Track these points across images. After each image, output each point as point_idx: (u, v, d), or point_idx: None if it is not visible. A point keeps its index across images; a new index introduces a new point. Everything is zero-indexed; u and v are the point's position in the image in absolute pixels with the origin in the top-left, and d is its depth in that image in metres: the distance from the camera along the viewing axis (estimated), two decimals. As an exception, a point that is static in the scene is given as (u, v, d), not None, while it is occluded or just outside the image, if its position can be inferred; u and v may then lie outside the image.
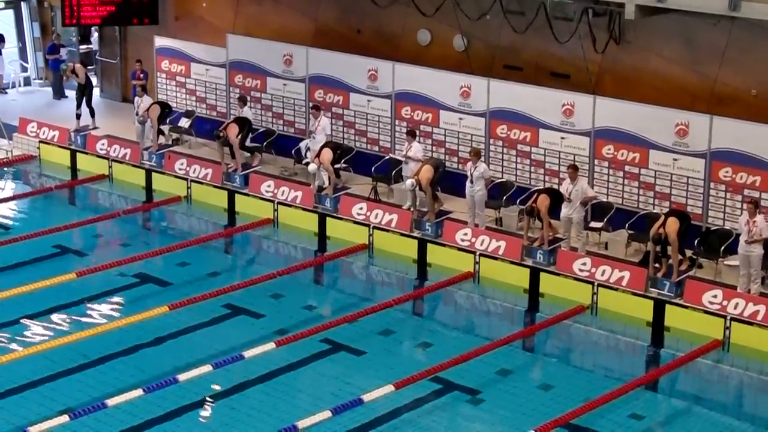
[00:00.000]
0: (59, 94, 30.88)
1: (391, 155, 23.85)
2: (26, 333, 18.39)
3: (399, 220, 21.81)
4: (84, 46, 32.21)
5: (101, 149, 25.96)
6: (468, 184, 21.35)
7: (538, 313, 19.91)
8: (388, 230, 21.84)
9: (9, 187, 26.17)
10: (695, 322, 18.65)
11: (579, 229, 20.47)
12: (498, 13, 23.20)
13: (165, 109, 25.82)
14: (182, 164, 24.76)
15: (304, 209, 22.94)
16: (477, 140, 22.88)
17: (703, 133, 20.27)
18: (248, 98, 25.59)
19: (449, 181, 22.79)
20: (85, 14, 26.95)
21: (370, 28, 25.62)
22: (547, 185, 21.80)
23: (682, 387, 17.96)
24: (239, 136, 24.18)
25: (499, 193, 22.28)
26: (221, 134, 24.05)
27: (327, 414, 15.60)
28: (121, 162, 25.63)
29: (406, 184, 21.85)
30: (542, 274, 20.11)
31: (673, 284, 19.04)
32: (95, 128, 27.23)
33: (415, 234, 21.62)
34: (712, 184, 20.37)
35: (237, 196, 23.82)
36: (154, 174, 25.06)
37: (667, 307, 18.95)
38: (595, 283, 19.56)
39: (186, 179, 24.50)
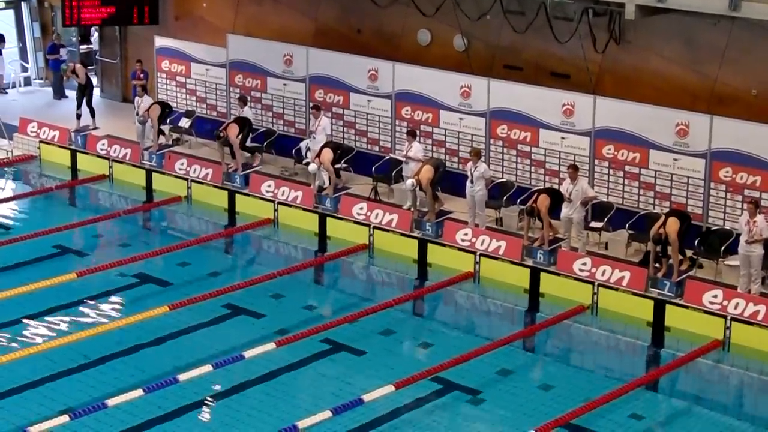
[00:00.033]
0: (59, 94, 30.89)
1: (391, 155, 23.85)
2: (26, 333, 18.39)
3: (399, 220, 21.81)
4: (84, 46, 32.23)
5: (101, 149, 25.96)
6: (468, 184, 21.35)
7: (539, 313, 19.91)
8: (388, 230, 21.84)
9: (9, 187, 26.18)
10: (695, 322, 18.65)
11: (579, 229, 20.47)
12: (498, 13, 23.21)
13: (165, 109, 25.83)
14: (182, 164, 24.76)
15: (304, 209, 22.94)
16: (477, 140, 22.88)
17: (704, 133, 20.27)
18: (248, 98, 25.59)
19: (449, 181, 22.79)
20: (86, 14, 26.95)
21: (371, 28, 25.62)
22: (548, 185, 21.80)
23: (683, 387, 17.96)
24: (239, 136, 24.18)
25: (499, 193, 22.28)
26: (221, 134, 24.05)
27: (327, 414, 15.60)
28: (121, 162, 25.63)
29: (407, 184, 21.85)
30: (542, 274, 20.11)
31: (674, 284, 19.04)
32: (95, 128, 27.23)
33: (415, 234, 21.62)
34: (712, 184, 20.37)
35: (237, 196, 23.82)
36: (154, 174, 25.06)
37: (668, 307, 18.95)
38: (596, 283, 19.56)
39: (186, 179, 24.51)
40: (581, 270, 19.77)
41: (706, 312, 18.62)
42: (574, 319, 19.35)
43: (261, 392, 16.71)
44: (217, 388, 16.71)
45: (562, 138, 21.85)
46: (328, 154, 22.96)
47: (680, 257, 19.35)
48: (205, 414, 16.14)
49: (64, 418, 15.37)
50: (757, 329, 18.20)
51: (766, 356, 18.08)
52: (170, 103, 26.58)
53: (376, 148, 24.34)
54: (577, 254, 20.08)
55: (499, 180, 22.51)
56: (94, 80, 29.31)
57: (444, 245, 21.20)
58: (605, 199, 21.40)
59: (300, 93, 25.29)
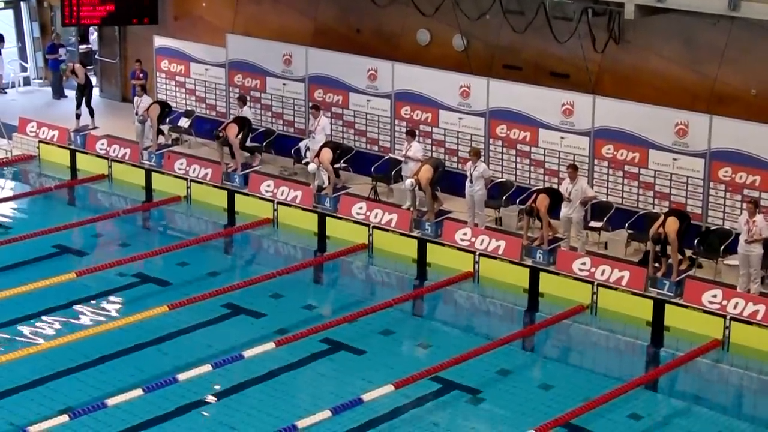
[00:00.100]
0: (59, 93, 30.88)
1: (390, 155, 23.85)
2: (26, 333, 18.39)
3: (399, 219, 21.81)
4: (83, 46, 32.23)
5: (101, 149, 25.96)
6: (467, 183, 21.35)
7: (538, 312, 19.91)
8: (387, 230, 21.84)
9: (9, 187, 26.17)
10: (695, 322, 18.65)
11: (579, 228, 20.47)
12: (497, 12, 23.20)
13: (165, 108, 25.83)
14: (182, 164, 24.76)
15: (303, 209, 22.94)
16: (476, 140, 22.88)
17: (703, 132, 20.27)
18: (248, 98, 25.59)
19: (449, 181, 22.79)
20: (85, 14, 26.96)
21: (370, 28, 25.62)
22: (547, 185, 21.81)
23: (682, 387, 17.97)
24: (239, 136, 24.18)
25: (498, 193, 22.28)
26: (221, 134, 24.05)
27: (327, 414, 15.60)
28: (120, 162, 25.63)
29: (406, 184, 21.85)
30: (542, 274, 20.12)
31: (673, 284, 19.05)
32: (95, 128, 27.22)
33: (414, 234, 21.62)
34: (711, 184, 20.37)
35: (237, 195, 23.82)
36: (153, 174, 25.05)
37: (667, 306, 18.95)
38: (595, 283, 19.56)
39: (186, 179, 24.50)
40: (581, 270, 19.77)
41: (705, 312, 18.62)
42: (574, 318, 19.35)
43: (260, 392, 16.71)
44: (217, 387, 16.70)
45: (562, 138, 21.85)
46: (327, 154, 22.96)
47: (680, 257, 19.36)
48: (204, 414, 16.13)
49: (64, 418, 15.37)
50: (756, 329, 18.20)
51: (765, 356, 18.08)
52: (169, 102, 26.57)
53: (376, 148, 24.34)
54: (577, 254, 20.09)
55: (499, 180, 22.51)
56: (94, 80, 29.31)
57: (443, 245, 21.20)
58: (605, 199, 21.40)
59: (299, 93, 25.29)
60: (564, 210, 20.42)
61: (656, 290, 19.16)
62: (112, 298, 19.93)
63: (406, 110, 23.76)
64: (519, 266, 20.36)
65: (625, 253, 20.58)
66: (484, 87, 22.69)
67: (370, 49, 24.92)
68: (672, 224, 19.08)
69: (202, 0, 28.27)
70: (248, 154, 24.81)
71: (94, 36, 31.80)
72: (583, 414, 15.95)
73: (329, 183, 23.11)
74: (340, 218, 22.43)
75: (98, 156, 25.89)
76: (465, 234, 21.05)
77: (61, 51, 30.94)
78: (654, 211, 20.73)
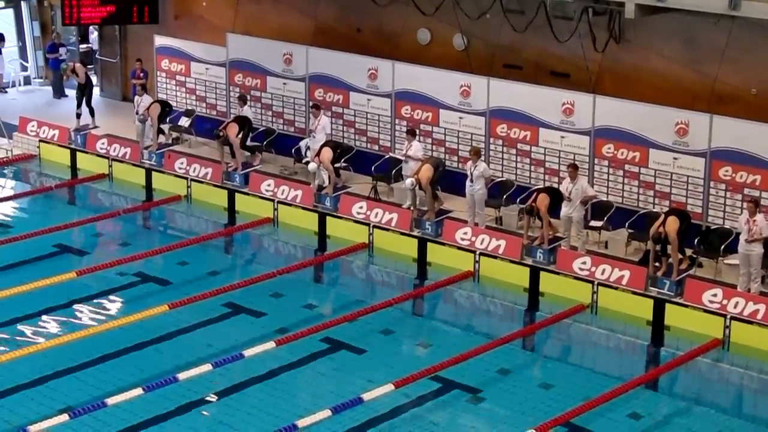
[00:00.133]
0: (59, 93, 30.89)
1: (391, 154, 23.85)
2: (26, 332, 18.39)
3: (399, 219, 21.81)
4: (84, 45, 32.23)
5: (101, 148, 25.96)
6: (468, 183, 21.35)
7: (538, 312, 19.91)
8: (388, 229, 21.84)
9: (9, 187, 26.18)
10: (695, 321, 18.65)
11: (579, 228, 20.47)
12: (498, 12, 23.20)
13: (165, 107, 25.83)
14: (182, 163, 24.76)
15: (304, 208, 22.94)
16: (477, 139, 22.88)
17: (703, 132, 20.27)
18: (248, 97, 25.59)
19: (449, 180, 22.79)
20: (85, 13, 26.97)
21: (370, 27, 25.62)
22: (547, 184, 21.80)
23: (682, 386, 17.96)
24: (239, 136, 24.18)
25: (499, 192, 22.28)
26: (221, 133, 24.05)
27: (327, 413, 15.61)
28: (121, 161, 25.63)
29: (406, 183, 21.85)
30: (542, 273, 20.11)
31: (673, 283, 19.05)
32: (95, 127, 27.23)
33: (415, 233, 21.62)
34: (712, 183, 20.37)
35: (237, 195, 23.82)
36: (154, 173, 25.06)
37: (667, 306, 18.95)
38: (595, 282, 19.56)
39: (186, 178, 24.51)
40: (581, 269, 19.77)
41: (705, 311, 18.62)
42: (574, 318, 19.35)
43: (260, 391, 16.71)
44: (217, 387, 16.69)
45: (562, 137, 21.84)
46: (327, 153, 22.96)
47: (680, 256, 19.35)
48: (204, 413, 16.13)
49: (64, 417, 15.37)
50: (756, 328, 18.20)
51: (765, 355, 18.07)
52: (170, 102, 26.58)
53: (376, 147, 24.34)
54: (577, 253, 20.08)
55: (499, 179, 22.51)
56: (94, 79, 29.30)
57: (444, 244, 21.20)
58: (605, 198, 21.40)
59: (300, 92, 25.29)
60: (564, 209, 20.41)
61: (656, 289, 19.16)
62: (112, 297, 19.94)
63: (407, 109, 23.76)
64: (519, 265, 20.36)
65: (625, 252, 20.58)
66: (484, 86, 22.69)
67: (370, 49, 24.93)
68: (672, 223, 19.08)
69: (203, -1, 28.33)
70: (248, 154, 24.81)
71: (94, 35, 31.80)
72: (584, 413, 15.95)
73: (329, 182, 23.11)
74: (340, 217, 22.43)
75: (99, 155, 25.90)
76: (465, 233, 21.05)
77: (62, 50, 30.95)
78: (654, 210, 20.73)
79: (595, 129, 21.48)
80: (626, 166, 21.24)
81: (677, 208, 20.20)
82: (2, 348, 17.64)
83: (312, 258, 22.12)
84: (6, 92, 31.59)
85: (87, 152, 26.15)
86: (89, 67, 29.48)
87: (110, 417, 15.66)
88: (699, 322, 18.60)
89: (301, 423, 15.32)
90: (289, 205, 23.09)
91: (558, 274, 19.99)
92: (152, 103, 25.72)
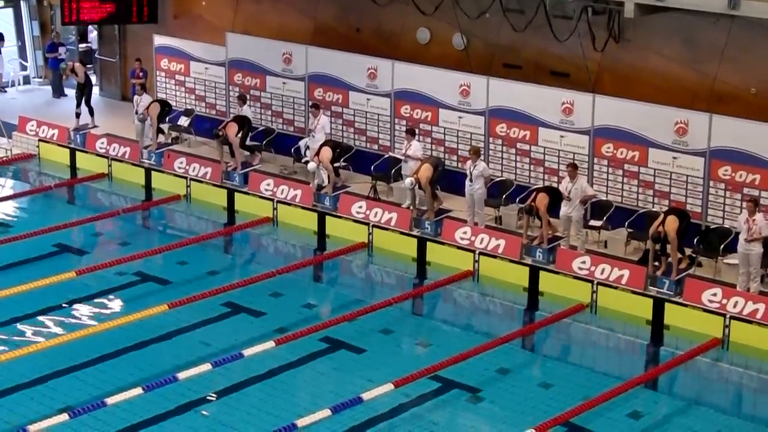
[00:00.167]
0: (59, 92, 30.88)
1: (390, 154, 23.84)
2: (26, 331, 18.39)
3: (398, 218, 21.81)
4: (83, 45, 32.22)
5: (101, 148, 25.96)
6: (467, 182, 21.35)
7: (538, 311, 19.90)
8: (387, 229, 21.84)
9: (9, 186, 26.17)
10: (695, 321, 18.65)
11: (578, 227, 20.47)
12: (497, 11, 23.20)
13: (165, 107, 25.83)
14: (181, 163, 24.76)
15: (303, 208, 22.94)
16: (476, 139, 22.87)
17: (703, 131, 20.27)
18: (248, 97, 25.58)
19: (448, 180, 22.79)
20: (85, 13, 26.96)
21: (370, 27, 25.62)
22: (547, 184, 21.80)
23: (682, 385, 17.96)
24: (239, 135, 24.18)
25: (498, 192, 22.28)
26: (221, 133, 24.05)
27: (326, 413, 15.60)
28: (120, 161, 25.63)
29: (406, 183, 21.86)
30: (542, 273, 20.12)
31: (673, 282, 19.05)
32: (95, 127, 27.23)
33: (414, 232, 21.61)
34: (711, 183, 20.37)
35: (236, 194, 23.82)
36: (153, 172, 25.05)
37: (667, 305, 18.95)
38: (595, 282, 19.56)
39: (185, 178, 24.50)
40: (580, 268, 19.77)
41: (705, 310, 18.62)
42: (574, 317, 19.35)
43: (260, 391, 16.71)
44: (217, 386, 16.68)
45: (562, 136, 21.84)
46: (327, 153, 22.96)
47: (679, 255, 19.36)
48: (204, 412, 16.12)
49: (64, 417, 15.37)
50: (756, 327, 18.20)
51: (765, 355, 18.08)
52: (169, 101, 26.57)
53: (376, 147, 24.34)
54: (577, 253, 20.08)
55: (499, 178, 22.51)
56: (93, 79, 29.30)
57: (443, 244, 21.20)
58: (604, 198, 21.39)
59: (299, 91, 25.29)
60: (564, 209, 20.42)
61: (656, 289, 19.17)
62: (111, 296, 19.94)
63: (406, 109, 23.76)
64: (519, 265, 20.36)
65: (624, 251, 20.58)
66: (483, 86, 22.68)
67: (369, 48, 24.92)
68: (672, 223, 19.09)
69: (202, -1, 28.33)
70: (248, 153, 24.80)
71: (93, 35, 31.80)
72: (583, 413, 15.95)
73: (329, 182, 23.11)
74: (339, 217, 22.42)
75: (98, 155, 25.89)
76: (465, 233, 21.05)
77: (61, 50, 30.93)
78: (654, 209, 20.72)
79: (594, 128, 21.47)
80: (626, 166, 21.25)
81: (677, 207, 20.20)
82: (2, 348, 17.64)
83: (311, 257, 22.12)
84: (5, 92, 31.58)
85: (86, 152, 26.14)
86: (89, 66, 29.46)
87: (110, 416, 15.65)
88: (698, 321, 18.60)
89: (301, 422, 15.32)
90: (289, 204, 23.09)
91: (557, 273, 19.99)
92: (152, 102, 25.71)
